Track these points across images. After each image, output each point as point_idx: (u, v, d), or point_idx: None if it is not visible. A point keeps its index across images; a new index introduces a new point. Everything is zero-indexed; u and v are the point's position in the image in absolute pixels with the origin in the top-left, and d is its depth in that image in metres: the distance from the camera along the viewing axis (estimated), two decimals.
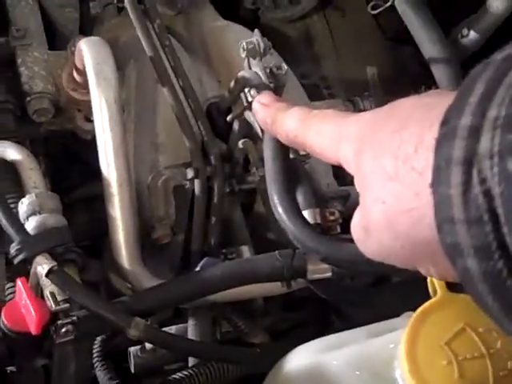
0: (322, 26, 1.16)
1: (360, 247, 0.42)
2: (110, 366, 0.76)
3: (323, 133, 0.45)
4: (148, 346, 0.76)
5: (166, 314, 0.77)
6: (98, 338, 0.77)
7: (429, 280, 0.58)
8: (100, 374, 0.75)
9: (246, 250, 0.78)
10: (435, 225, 0.34)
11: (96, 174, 0.90)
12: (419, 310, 0.56)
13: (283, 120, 0.51)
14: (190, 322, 0.73)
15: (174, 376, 0.71)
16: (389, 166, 0.37)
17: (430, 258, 0.37)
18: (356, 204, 0.73)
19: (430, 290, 0.58)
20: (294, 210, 0.54)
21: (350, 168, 0.42)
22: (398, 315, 0.64)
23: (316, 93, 1.03)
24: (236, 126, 0.77)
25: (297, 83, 0.88)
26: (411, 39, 0.93)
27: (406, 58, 1.11)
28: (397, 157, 0.37)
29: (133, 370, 0.77)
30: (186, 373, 0.71)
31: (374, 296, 0.70)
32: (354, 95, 0.98)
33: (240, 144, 0.76)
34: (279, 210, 0.53)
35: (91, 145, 0.79)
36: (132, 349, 0.77)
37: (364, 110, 0.90)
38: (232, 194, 0.80)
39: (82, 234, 0.85)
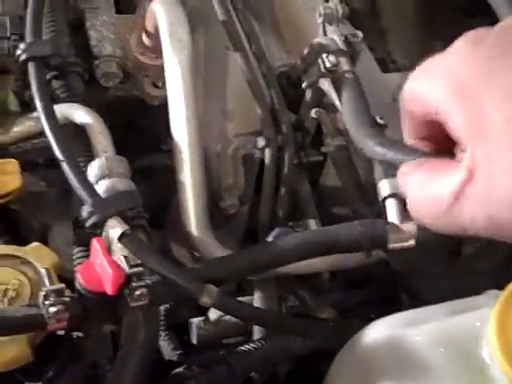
0: None
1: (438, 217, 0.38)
2: (173, 335, 0.75)
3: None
4: (211, 316, 0.74)
5: (229, 287, 0.76)
6: (162, 308, 0.76)
7: None
8: (164, 343, 0.74)
9: (313, 224, 0.76)
10: None
11: (156, 144, 0.89)
12: (509, 288, 0.53)
13: None
14: (256, 295, 0.71)
15: (241, 348, 0.69)
16: None
17: None
18: None
19: None
20: None
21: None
22: (478, 293, 0.62)
23: (382, 66, 1.00)
24: (308, 94, 0.75)
25: (369, 53, 0.85)
26: (482, 11, 0.89)
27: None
28: None
29: (195, 341, 0.76)
30: (252, 345, 0.69)
31: (461, 266, 0.67)
32: None
33: (313, 113, 0.74)
34: None
35: (156, 112, 0.77)
36: (194, 320, 0.76)
37: None
38: (300, 167, 0.78)
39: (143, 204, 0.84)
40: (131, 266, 0.59)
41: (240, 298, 0.74)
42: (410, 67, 1.05)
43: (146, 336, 0.60)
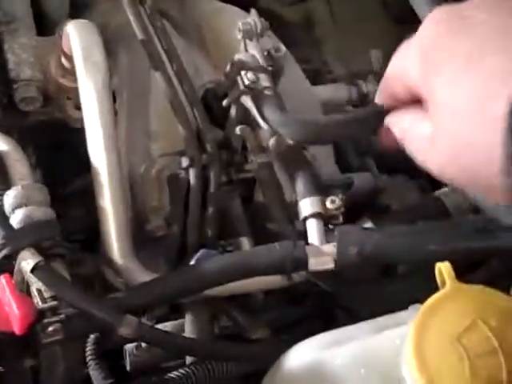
0: (323, 8, 1.12)
1: (420, 156, 0.48)
2: (103, 364, 0.73)
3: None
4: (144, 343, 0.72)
5: (162, 309, 0.74)
6: (92, 336, 0.74)
7: (437, 270, 0.54)
8: (94, 372, 0.72)
9: (245, 242, 0.74)
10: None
11: (87, 165, 0.87)
12: (427, 302, 0.52)
13: None
14: (187, 318, 0.69)
15: (171, 375, 0.67)
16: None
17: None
18: (359, 191, 0.70)
19: (439, 280, 0.54)
20: None
21: (414, 84, 0.47)
22: (405, 308, 0.61)
23: (318, 77, 1.00)
24: (233, 111, 0.74)
25: (296, 66, 0.84)
26: (419, 21, 0.89)
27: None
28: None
29: (128, 368, 0.74)
30: (183, 371, 0.68)
31: (380, 288, 0.66)
32: (358, 79, 0.95)
33: (237, 130, 0.73)
34: None
35: (82, 134, 0.76)
36: (127, 346, 0.74)
37: (368, 94, 0.88)
38: (230, 184, 0.77)
39: (77, 228, 0.82)
40: (45, 300, 0.57)
41: (173, 322, 0.73)
42: (347, 77, 1.06)
43: (67, 368, 0.59)
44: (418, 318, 0.52)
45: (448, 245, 0.58)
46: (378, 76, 0.99)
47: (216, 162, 0.73)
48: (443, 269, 0.54)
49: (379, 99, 0.55)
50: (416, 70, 0.47)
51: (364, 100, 0.87)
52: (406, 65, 0.49)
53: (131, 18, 0.73)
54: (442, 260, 0.54)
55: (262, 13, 0.97)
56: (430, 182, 0.80)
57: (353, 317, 0.68)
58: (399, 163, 0.82)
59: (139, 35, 0.73)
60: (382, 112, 0.55)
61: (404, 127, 0.52)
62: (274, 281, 0.64)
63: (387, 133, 0.55)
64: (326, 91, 0.87)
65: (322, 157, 0.81)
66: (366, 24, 1.09)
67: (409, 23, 1.03)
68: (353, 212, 0.75)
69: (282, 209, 0.67)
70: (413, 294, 0.64)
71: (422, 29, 0.49)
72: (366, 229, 0.63)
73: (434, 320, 0.51)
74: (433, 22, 0.48)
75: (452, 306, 0.52)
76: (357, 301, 0.72)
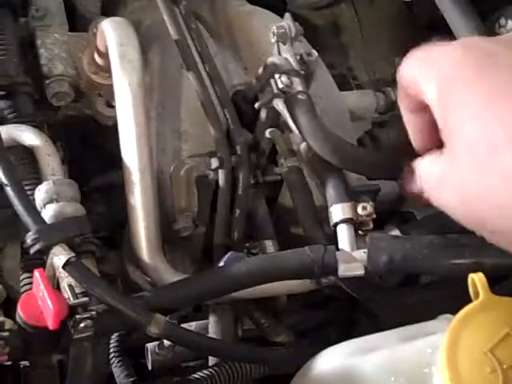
0: (350, 14, 1.12)
1: (431, 195, 0.49)
2: (126, 362, 0.73)
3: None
4: (166, 342, 0.73)
5: (186, 309, 0.74)
6: (115, 333, 0.74)
7: (470, 282, 0.54)
8: (117, 370, 0.72)
9: (269, 245, 0.75)
10: None
11: (115, 162, 0.87)
12: (461, 313, 0.52)
13: None
14: (211, 319, 0.70)
15: (194, 375, 0.67)
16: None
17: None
18: (387, 197, 0.70)
19: (472, 292, 0.54)
20: None
21: (430, 105, 0.47)
22: (430, 318, 0.61)
23: (343, 83, 1.00)
24: (263, 114, 0.74)
25: (326, 71, 0.84)
26: (447, 27, 0.89)
27: None
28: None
29: (150, 367, 0.74)
30: (206, 372, 0.68)
31: (406, 296, 0.66)
32: (382, 86, 0.95)
33: (267, 133, 0.73)
34: None
35: (112, 132, 0.76)
36: (150, 345, 0.74)
37: (395, 101, 0.88)
38: (256, 186, 0.77)
39: (100, 225, 0.82)
40: (76, 296, 0.57)
41: (197, 322, 0.73)
42: (372, 83, 1.06)
43: (93, 366, 0.59)
44: (451, 329, 0.52)
45: (476, 258, 0.57)
46: None
47: (245, 164, 0.73)
48: (476, 280, 0.54)
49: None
50: (433, 94, 0.46)
51: (392, 108, 0.87)
52: (422, 83, 0.48)
53: (166, 17, 0.74)
54: (468, 273, 0.54)
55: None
56: None
57: (376, 323, 0.68)
58: None
59: (174, 35, 0.73)
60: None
61: (423, 166, 0.53)
62: (301, 285, 0.64)
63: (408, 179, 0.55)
64: (353, 97, 0.87)
65: None
66: (391, 30, 1.09)
67: (435, 30, 1.05)
68: (378, 219, 0.76)
69: (311, 213, 0.67)
70: (437, 304, 0.65)
71: (447, 52, 0.47)
72: (397, 237, 0.63)
73: (467, 331, 0.51)
74: (459, 50, 0.47)
75: (485, 317, 0.52)
76: (381, 308, 0.72)
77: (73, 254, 0.58)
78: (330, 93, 0.82)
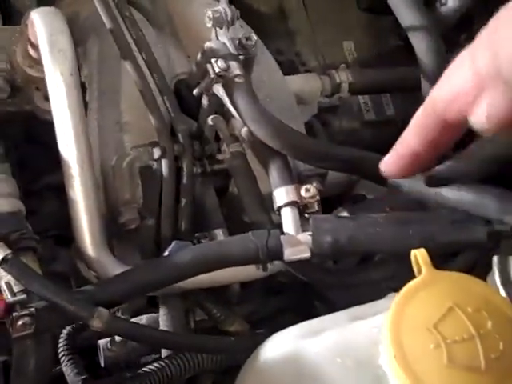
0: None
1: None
2: (77, 360, 0.72)
3: None
4: (118, 338, 0.71)
5: (139, 302, 0.73)
6: (64, 331, 0.72)
7: (412, 257, 0.53)
8: (67, 369, 0.71)
9: (220, 234, 0.74)
10: None
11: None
12: (403, 290, 0.52)
13: None
14: (162, 312, 0.68)
15: (144, 369, 0.66)
16: None
17: None
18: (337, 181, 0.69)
19: (415, 268, 0.53)
20: None
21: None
22: (382, 297, 0.61)
23: (292, 69, 0.99)
24: (205, 101, 0.73)
25: (269, 56, 0.84)
26: (389, 10, 0.89)
27: (383, 30, 1.07)
28: None
29: (103, 364, 0.73)
30: (157, 365, 0.66)
31: (357, 276, 0.66)
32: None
33: (209, 120, 0.72)
34: None
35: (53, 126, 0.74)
36: (101, 341, 0.73)
37: (340, 84, 0.88)
38: (204, 175, 0.76)
39: (50, 223, 0.81)
40: (14, 294, 0.56)
41: (147, 315, 0.72)
42: (321, 68, 1.05)
43: (38, 364, 0.57)
44: (393, 306, 0.51)
45: (422, 235, 0.57)
46: (351, 67, 1.00)
47: (188, 152, 0.71)
48: (419, 256, 0.53)
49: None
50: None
51: (337, 90, 0.86)
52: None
53: (98, 7, 0.72)
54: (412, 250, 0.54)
55: (234, 4, 0.96)
56: None
57: (331, 307, 0.68)
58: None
59: (107, 24, 0.72)
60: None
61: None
62: (249, 272, 0.64)
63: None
64: (298, 81, 0.86)
65: None
66: (338, 15, 1.08)
67: (380, 13, 1.04)
68: (330, 203, 0.75)
69: (255, 199, 0.66)
70: (389, 282, 0.64)
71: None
72: (341, 217, 0.62)
73: (410, 308, 0.51)
74: None
75: (428, 293, 0.52)
76: (333, 290, 0.72)
77: (9, 251, 0.57)
78: (274, 77, 0.82)
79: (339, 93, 0.86)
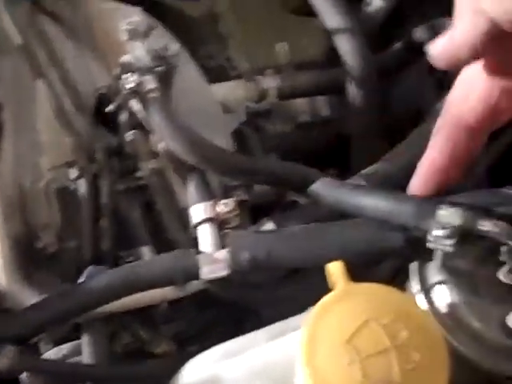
0: (226, 2, 1.10)
1: None
2: None
3: None
4: None
5: (63, 329, 0.70)
6: None
7: (327, 270, 0.52)
8: None
9: (146, 252, 0.71)
10: None
11: None
12: (317, 305, 0.50)
13: None
14: (84, 339, 0.66)
15: None
16: None
17: None
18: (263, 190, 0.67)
19: (330, 281, 0.52)
20: None
21: None
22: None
23: (222, 74, 0.97)
24: (123, 116, 0.70)
25: (192, 65, 0.81)
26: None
27: (318, 31, 1.06)
28: None
29: None
30: None
31: (283, 290, 0.64)
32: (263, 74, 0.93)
33: (127, 136, 0.70)
34: None
35: None
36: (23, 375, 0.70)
37: (267, 90, 0.86)
38: (128, 192, 0.74)
39: None
40: None
41: (72, 343, 0.69)
42: (253, 72, 1.03)
43: None
44: (308, 322, 0.50)
45: (340, 246, 0.56)
46: (284, 69, 0.98)
47: (107, 170, 0.69)
48: (334, 268, 0.52)
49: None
50: None
51: (264, 96, 0.85)
52: None
53: (7, 21, 0.69)
54: (332, 262, 0.52)
55: (162, 9, 0.94)
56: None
57: (260, 323, 0.66)
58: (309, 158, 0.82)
59: (17, 40, 0.69)
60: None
61: None
62: (166, 293, 0.62)
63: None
64: (223, 89, 0.84)
65: None
66: (271, 17, 1.07)
67: (307, 15, 1.03)
68: (261, 212, 0.74)
69: (174, 216, 0.65)
70: (312, 295, 0.63)
71: None
72: (259, 232, 0.61)
73: (325, 323, 0.49)
74: None
75: (343, 306, 0.50)
76: (263, 305, 0.70)
77: None
78: (197, 87, 0.80)
79: (266, 99, 0.85)
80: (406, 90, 0.97)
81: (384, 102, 0.88)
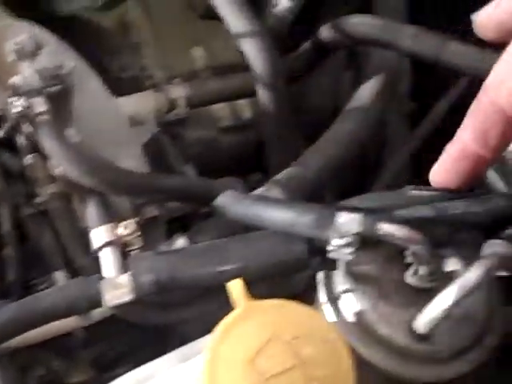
0: (139, 11, 1.07)
1: None
2: None
3: None
4: None
5: None
6: None
7: (228, 289, 0.50)
8: None
9: (60, 277, 0.69)
10: None
11: None
12: (218, 326, 0.49)
13: None
14: None
15: None
16: None
17: None
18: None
19: (232, 300, 0.51)
20: None
21: None
22: None
23: (136, 85, 0.95)
24: (19, 140, 0.68)
25: (95, 80, 0.79)
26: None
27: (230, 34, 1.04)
28: None
29: None
30: None
31: (194, 309, 0.63)
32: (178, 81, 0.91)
33: (26, 160, 0.67)
34: None
35: None
36: None
37: (176, 99, 0.84)
38: (37, 215, 0.71)
39: None
40: None
41: None
42: (169, 80, 1.00)
43: None
44: (209, 345, 0.48)
45: (240, 263, 0.54)
46: (201, 75, 0.96)
47: (5, 196, 0.66)
48: (234, 287, 0.51)
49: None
50: None
51: (173, 106, 0.83)
52: None
53: None
54: (233, 279, 0.51)
55: (71, 21, 0.91)
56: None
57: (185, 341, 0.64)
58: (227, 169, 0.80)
59: None
60: None
61: None
62: (71, 323, 0.59)
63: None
64: (130, 102, 0.82)
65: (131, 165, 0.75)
66: (183, 22, 1.05)
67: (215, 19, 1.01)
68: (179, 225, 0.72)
69: (78, 241, 0.62)
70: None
71: None
72: (161, 252, 0.59)
73: (226, 344, 0.48)
74: None
75: (245, 326, 0.49)
76: (182, 323, 0.68)
77: None
78: (101, 103, 0.77)
79: (176, 108, 0.83)
80: (322, 87, 0.96)
81: (297, 103, 0.88)
